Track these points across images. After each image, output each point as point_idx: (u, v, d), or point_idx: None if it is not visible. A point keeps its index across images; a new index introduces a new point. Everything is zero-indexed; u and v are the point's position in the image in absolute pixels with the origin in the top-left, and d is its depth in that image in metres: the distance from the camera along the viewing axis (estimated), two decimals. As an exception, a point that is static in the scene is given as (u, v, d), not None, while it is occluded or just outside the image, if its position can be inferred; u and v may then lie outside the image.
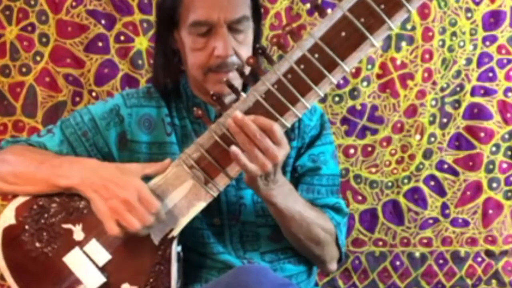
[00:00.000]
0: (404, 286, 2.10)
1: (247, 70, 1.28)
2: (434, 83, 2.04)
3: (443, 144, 2.07)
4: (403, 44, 2.03)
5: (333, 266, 1.46)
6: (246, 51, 1.35)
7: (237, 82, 1.30)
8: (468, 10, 2.02)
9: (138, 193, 1.20)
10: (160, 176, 1.26)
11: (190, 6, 1.33)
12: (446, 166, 2.07)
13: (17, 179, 1.33)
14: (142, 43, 1.99)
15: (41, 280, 1.30)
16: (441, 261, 2.10)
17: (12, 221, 1.32)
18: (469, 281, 2.10)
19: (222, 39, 1.31)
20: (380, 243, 2.09)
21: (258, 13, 1.41)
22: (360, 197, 2.08)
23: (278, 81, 1.17)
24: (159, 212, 1.21)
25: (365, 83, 2.04)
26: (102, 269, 1.28)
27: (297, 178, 1.44)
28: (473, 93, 2.06)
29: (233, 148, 1.17)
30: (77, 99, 2.01)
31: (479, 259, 2.10)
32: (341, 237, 1.43)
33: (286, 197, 1.30)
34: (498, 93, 2.06)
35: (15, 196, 1.35)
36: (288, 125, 1.19)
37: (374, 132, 2.06)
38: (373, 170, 2.07)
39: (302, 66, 1.15)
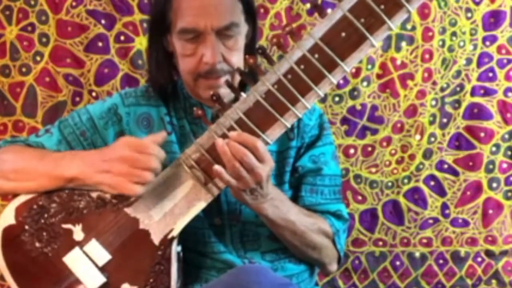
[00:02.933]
0: (404, 286, 2.10)
1: (237, 78, 1.30)
2: (434, 83, 2.04)
3: (443, 144, 2.07)
4: (403, 44, 2.03)
5: (333, 267, 1.47)
6: (236, 57, 1.35)
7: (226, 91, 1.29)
8: (468, 10, 2.02)
9: (128, 145, 1.21)
10: (160, 176, 1.26)
11: (178, 13, 1.33)
12: (446, 166, 2.07)
13: (19, 175, 1.33)
14: (142, 43, 1.99)
15: (41, 280, 1.31)
16: (441, 261, 2.10)
17: (12, 221, 1.32)
18: (469, 281, 2.10)
19: (209, 46, 1.31)
20: (380, 243, 2.09)
21: (252, 14, 1.40)
22: (360, 197, 2.08)
23: (278, 81, 1.17)
24: (156, 152, 1.22)
25: (365, 83, 2.04)
26: (102, 269, 1.28)
27: (297, 178, 1.44)
28: (473, 93, 2.06)
29: (216, 167, 1.19)
30: (77, 99, 2.01)
31: (479, 259, 2.10)
32: (339, 242, 1.43)
33: (278, 209, 1.31)
34: (498, 93, 2.06)
35: (15, 196, 1.35)
36: (288, 125, 1.20)
37: (374, 132, 2.06)
38: (373, 170, 2.07)
39: (302, 66, 1.15)
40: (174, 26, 1.35)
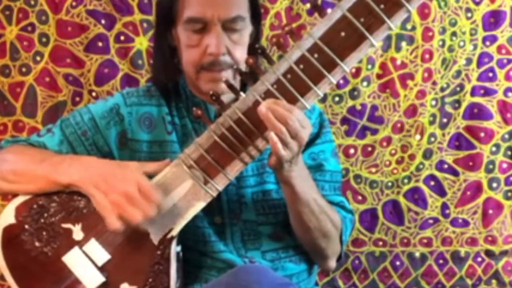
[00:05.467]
0: (404, 286, 2.10)
1: (242, 68, 1.29)
2: (434, 83, 2.04)
3: (443, 144, 2.07)
4: (403, 44, 2.03)
5: (333, 263, 1.46)
6: (240, 51, 1.35)
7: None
8: (468, 10, 2.02)
9: (138, 185, 1.20)
10: (159, 175, 1.26)
11: (185, 3, 1.35)
12: (446, 166, 2.07)
13: (18, 177, 1.33)
14: (142, 43, 1.99)
15: (41, 280, 1.31)
16: (441, 261, 2.10)
17: (12, 220, 1.32)
18: (469, 281, 2.09)
19: (215, 37, 1.32)
20: (380, 243, 2.09)
21: (257, 15, 1.42)
22: (360, 197, 2.08)
23: (278, 81, 1.17)
24: (159, 203, 1.21)
25: (365, 83, 2.04)
26: (101, 269, 1.28)
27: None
28: (473, 93, 2.06)
29: (272, 135, 1.15)
30: (77, 99, 2.00)
31: (479, 259, 2.10)
32: (346, 232, 1.43)
33: (304, 181, 1.30)
34: (498, 93, 2.06)
35: (15, 196, 1.35)
36: (288, 124, 1.20)
37: (374, 132, 2.06)
38: (373, 170, 2.07)
39: (301, 66, 1.15)
40: (181, 16, 1.36)
